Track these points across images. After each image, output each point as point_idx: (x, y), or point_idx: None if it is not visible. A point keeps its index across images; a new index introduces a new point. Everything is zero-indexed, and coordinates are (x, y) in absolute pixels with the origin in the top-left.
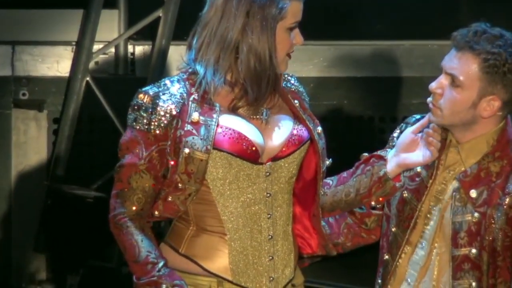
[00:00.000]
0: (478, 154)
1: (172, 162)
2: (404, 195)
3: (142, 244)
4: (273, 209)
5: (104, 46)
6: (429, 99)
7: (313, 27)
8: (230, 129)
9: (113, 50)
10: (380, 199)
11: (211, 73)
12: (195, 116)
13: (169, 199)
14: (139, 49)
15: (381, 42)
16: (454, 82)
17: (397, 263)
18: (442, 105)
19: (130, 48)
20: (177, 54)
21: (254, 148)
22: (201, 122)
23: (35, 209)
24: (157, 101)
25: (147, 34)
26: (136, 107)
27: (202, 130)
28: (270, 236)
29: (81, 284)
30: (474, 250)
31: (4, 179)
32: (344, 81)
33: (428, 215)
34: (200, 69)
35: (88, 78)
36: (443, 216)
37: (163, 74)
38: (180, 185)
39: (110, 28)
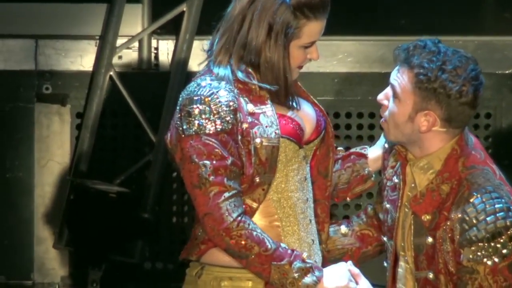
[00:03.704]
0: (429, 176)
1: (245, 156)
2: (387, 205)
3: (266, 234)
4: (308, 193)
5: (128, 41)
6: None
7: (337, 22)
8: (279, 114)
9: (136, 44)
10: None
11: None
12: (250, 107)
13: None
14: (163, 44)
15: (406, 37)
16: (394, 93)
17: (391, 272)
18: (387, 117)
19: (153, 42)
20: (201, 48)
21: (302, 131)
22: (256, 111)
23: (58, 204)
24: (218, 99)
25: (171, 29)
26: (195, 113)
27: (262, 118)
28: (310, 220)
29: (103, 280)
30: (431, 275)
31: (27, 173)
32: (368, 77)
33: (402, 229)
34: (218, 70)
35: (111, 73)
36: (409, 234)
37: (186, 69)
38: (257, 179)
39: (133, 22)
